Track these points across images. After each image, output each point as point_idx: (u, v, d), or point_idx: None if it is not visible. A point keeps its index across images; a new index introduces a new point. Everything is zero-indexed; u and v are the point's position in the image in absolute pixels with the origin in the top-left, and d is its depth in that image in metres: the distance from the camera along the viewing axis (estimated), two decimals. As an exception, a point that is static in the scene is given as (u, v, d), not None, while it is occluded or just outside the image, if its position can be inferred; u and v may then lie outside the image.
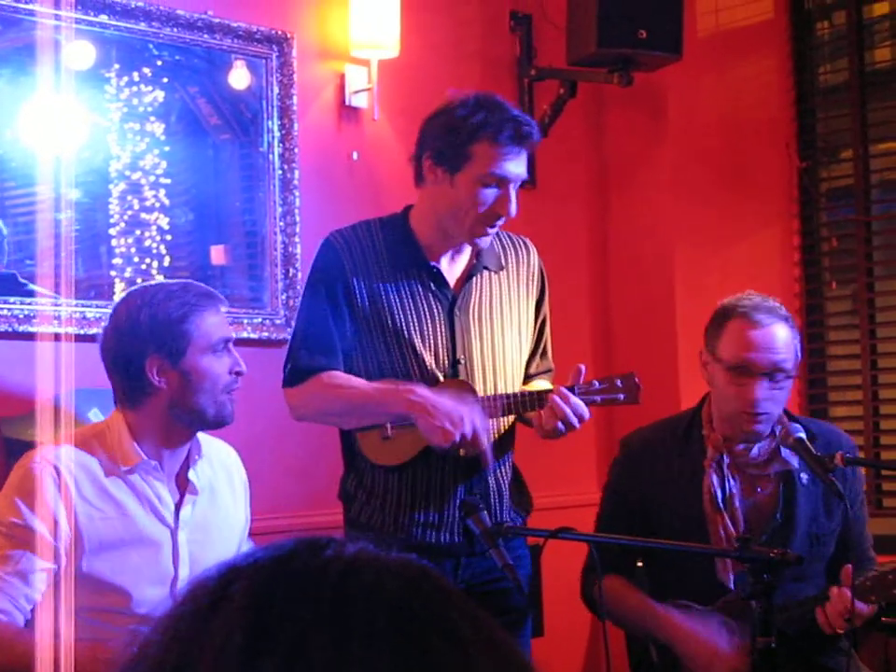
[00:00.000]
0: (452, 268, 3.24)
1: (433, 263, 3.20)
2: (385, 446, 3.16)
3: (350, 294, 3.15)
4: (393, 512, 3.17)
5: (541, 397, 3.13)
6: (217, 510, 2.92)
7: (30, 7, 3.72)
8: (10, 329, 3.67)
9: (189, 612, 0.89)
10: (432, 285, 3.19)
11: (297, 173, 4.29)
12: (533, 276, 3.34)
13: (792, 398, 5.14)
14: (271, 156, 4.26)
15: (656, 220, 5.07)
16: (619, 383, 3.15)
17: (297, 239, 4.27)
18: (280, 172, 4.27)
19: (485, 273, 3.25)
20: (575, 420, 3.07)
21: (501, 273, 3.28)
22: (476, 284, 3.24)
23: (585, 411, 3.09)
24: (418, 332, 3.15)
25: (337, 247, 3.18)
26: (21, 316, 3.69)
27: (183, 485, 2.86)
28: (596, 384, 3.14)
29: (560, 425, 3.07)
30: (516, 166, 3.09)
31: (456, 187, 3.09)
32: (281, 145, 4.27)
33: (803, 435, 3.13)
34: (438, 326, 3.18)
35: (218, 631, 0.86)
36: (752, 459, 3.24)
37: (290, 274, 4.25)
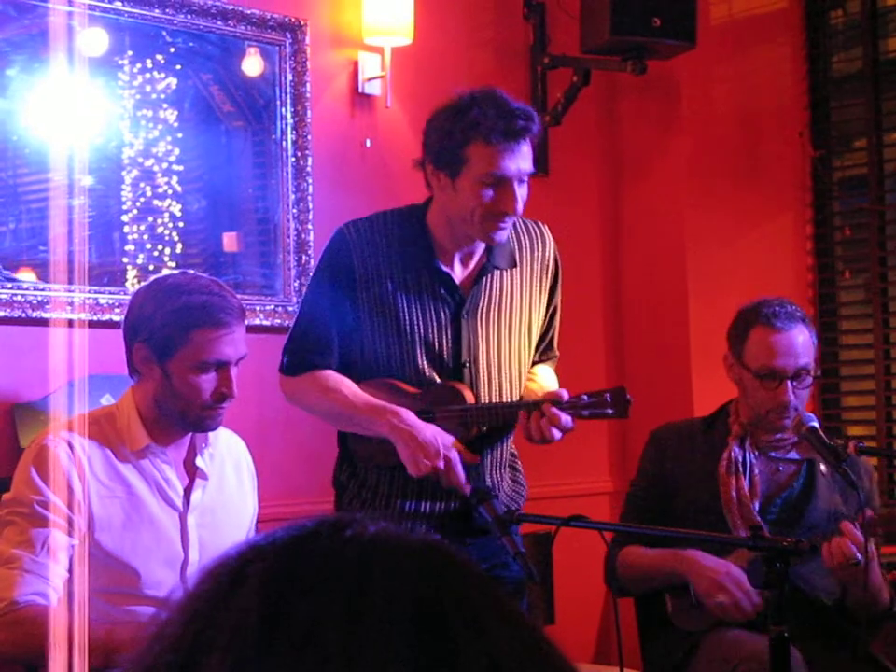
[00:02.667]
0: (464, 268, 3.19)
1: (444, 268, 3.14)
2: (376, 447, 3.15)
3: (355, 291, 3.11)
4: (383, 505, 3.17)
5: (529, 411, 3.08)
6: (224, 496, 2.93)
7: (44, -7, 3.73)
8: (24, 315, 3.68)
9: (206, 591, 0.89)
10: (442, 289, 3.14)
11: (310, 160, 4.29)
12: (547, 268, 3.28)
13: (805, 387, 5.15)
14: (284, 143, 4.27)
15: (669, 208, 5.06)
16: (608, 397, 3.05)
17: (310, 226, 4.27)
18: (293, 159, 4.27)
19: (496, 272, 3.19)
20: (559, 436, 3.04)
21: (514, 269, 3.22)
22: (485, 285, 3.18)
23: (571, 425, 3.05)
24: (422, 335, 3.12)
25: (348, 240, 3.12)
26: (34, 302, 3.69)
27: (191, 471, 2.87)
28: (585, 398, 3.05)
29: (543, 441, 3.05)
30: (514, 162, 3.00)
31: (459, 190, 3.03)
32: (294, 132, 4.27)
33: (815, 424, 3.20)
34: (443, 330, 3.14)
35: (234, 611, 0.86)
36: (773, 439, 3.43)
37: (303, 262, 4.25)
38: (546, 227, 3.33)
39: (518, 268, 3.22)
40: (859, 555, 3.09)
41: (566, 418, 3.01)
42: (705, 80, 5.09)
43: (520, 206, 3.04)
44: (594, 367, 5.03)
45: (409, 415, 3.04)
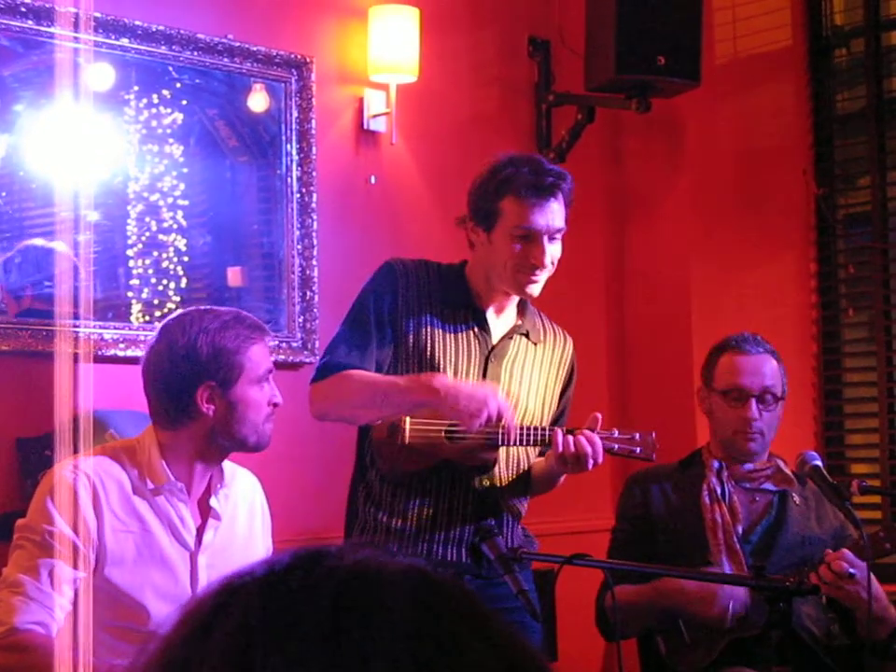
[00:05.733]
0: (496, 323, 3.29)
1: (481, 309, 3.26)
2: (402, 452, 3.16)
3: (396, 316, 3.20)
4: (398, 529, 3.18)
5: (564, 434, 3.14)
6: (235, 537, 2.93)
7: (51, 29, 3.75)
8: (28, 350, 3.68)
9: (183, 638, 0.87)
10: (476, 327, 3.25)
11: (315, 196, 4.30)
12: (564, 364, 3.40)
13: (809, 424, 5.14)
14: (289, 179, 4.28)
15: (673, 246, 5.07)
16: (637, 437, 3.19)
17: (314, 262, 4.28)
18: (298, 195, 4.28)
19: (524, 338, 3.31)
20: (591, 464, 3.10)
21: (538, 345, 3.34)
22: (514, 343, 3.29)
23: (601, 457, 3.12)
24: (453, 367, 3.20)
25: (396, 271, 3.24)
26: (39, 337, 3.70)
27: (205, 511, 2.87)
28: (616, 432, 3.19)
29: (576, 465, 3.11)
30: (544, 218, 3.13)
31: (493, 244, 3.17)
32: (299, 168, 4.29)
33: (818, 463, 3.23)
34: (472, 365, 3.23)
35: (209, 657, 0.84)
36: (747, 471, 3.56)
37: (307, 297, 4.26)
38: (569, 336, 3.45)
39: (541, 346, 3.35)
40: (851, 569, 3.16)
41: (600, 443, 3.11)
42: (709, 118, 5.10)
43: (547, 260, 3.16)
44: (597, 404, 4.99)
45: (444, 377, 3.13)
